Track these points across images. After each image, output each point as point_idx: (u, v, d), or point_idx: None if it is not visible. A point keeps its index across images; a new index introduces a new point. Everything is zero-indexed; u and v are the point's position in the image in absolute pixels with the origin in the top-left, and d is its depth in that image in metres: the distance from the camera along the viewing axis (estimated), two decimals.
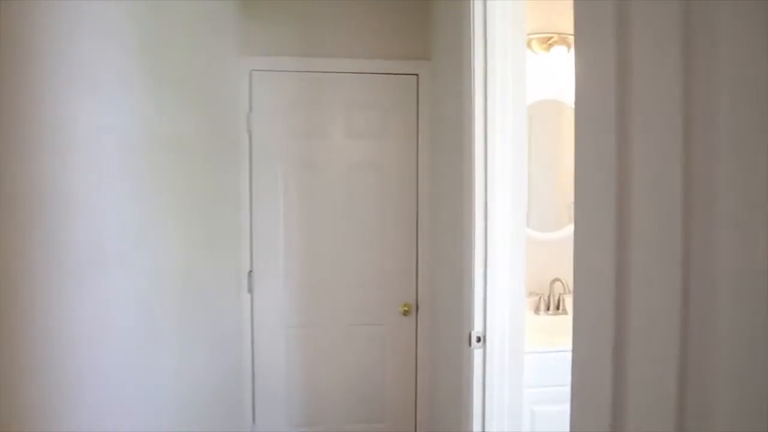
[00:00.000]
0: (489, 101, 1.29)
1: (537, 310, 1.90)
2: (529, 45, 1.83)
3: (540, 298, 1.90)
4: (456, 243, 1.49)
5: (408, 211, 1.93)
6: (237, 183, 1.92)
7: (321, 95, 1.94)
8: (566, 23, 1.90)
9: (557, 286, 1.91)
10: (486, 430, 1.33)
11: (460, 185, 1.41)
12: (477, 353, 1.32)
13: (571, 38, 1.91)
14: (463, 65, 1.37)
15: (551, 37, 1.89)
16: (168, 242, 1.30)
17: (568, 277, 1.98)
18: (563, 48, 1.87)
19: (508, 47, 1.30)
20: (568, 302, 1.94)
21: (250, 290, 1.95)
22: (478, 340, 1.32)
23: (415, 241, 1.92)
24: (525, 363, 1.38)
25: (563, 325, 1.85)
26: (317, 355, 1.97)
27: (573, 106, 1.91)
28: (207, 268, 1.80)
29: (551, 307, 1.91)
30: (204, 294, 1.77)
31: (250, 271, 1.94)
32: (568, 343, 1.46)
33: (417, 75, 1.94)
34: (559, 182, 2.03)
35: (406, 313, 1.87)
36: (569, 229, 1.99)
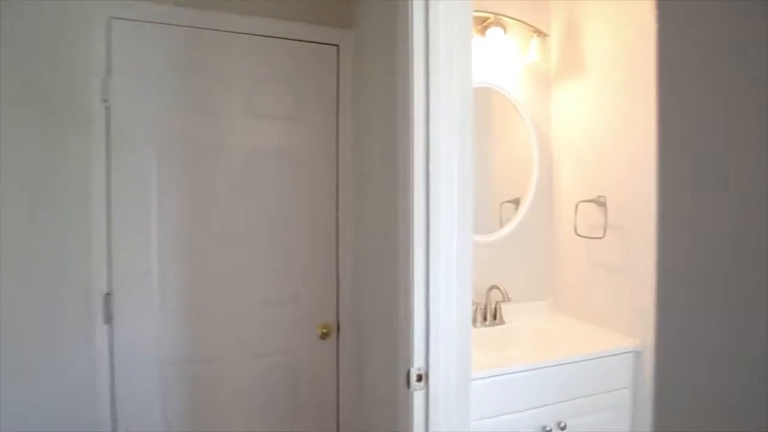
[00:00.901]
0: (432, 84, 1.01)
1: (474, 322, 1.69)
2: None
3: (477, 308, 1.70)
4: (388, 252, 1.19)
5: (326, 211, 1.58)
6: (85, 175, 1.38)
7: (214, 61, 1.49)
8: (502, 3, 1.73)
9: (494, 294, 1.72)
10: None
11: (394, 182, 1.11)
12: (418, 395, 1.03)
13: (507, 20, 1.75)
14: (398, 38, 1.08)
15: (487, 18, 1.71)
16: None
17: (506, 284, 1.82)
18: (499, 30, 1.70)
19: (454, 20, 1.04)
20: (506, 311, 1.76)
21: (108, 319, 1.41)
22: (419, 379, 1.03)
23: (334, 246, 1.58)
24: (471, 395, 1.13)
25: (503, 338, 1.66)
26: (207, 398, 1.51)
27: (507, 91, 1.67)
28: (28, 296, 1.24)
29: (488, 317, 1.72)
30: (23, 335, 1.22)
31: (108, 294, 1.41)
32: (515, 362, 1.18)
33: (338, 46, 1.60)
34: (492, 178, 1.86)
35: (324, 336, 1.51)
36: (505, 230, 1.82)
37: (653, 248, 1.43)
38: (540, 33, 1.75)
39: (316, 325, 1.53)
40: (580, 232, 1.71)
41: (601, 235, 1.61)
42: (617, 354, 1.45)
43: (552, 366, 1.35)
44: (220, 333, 1.49)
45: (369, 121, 1.44)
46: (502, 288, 1.64)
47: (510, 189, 1.89)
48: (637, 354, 1.48)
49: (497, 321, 1.72)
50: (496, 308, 1.73)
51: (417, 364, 1.04)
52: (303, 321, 1.54)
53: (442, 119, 1.02)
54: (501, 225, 1.84)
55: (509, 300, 1.62)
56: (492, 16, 1.70)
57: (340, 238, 1.56)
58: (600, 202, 1.63)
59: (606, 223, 1.59)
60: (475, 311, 1.70)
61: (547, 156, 1.90)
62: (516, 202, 1.90)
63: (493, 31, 1.70)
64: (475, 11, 1.67)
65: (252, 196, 1.49)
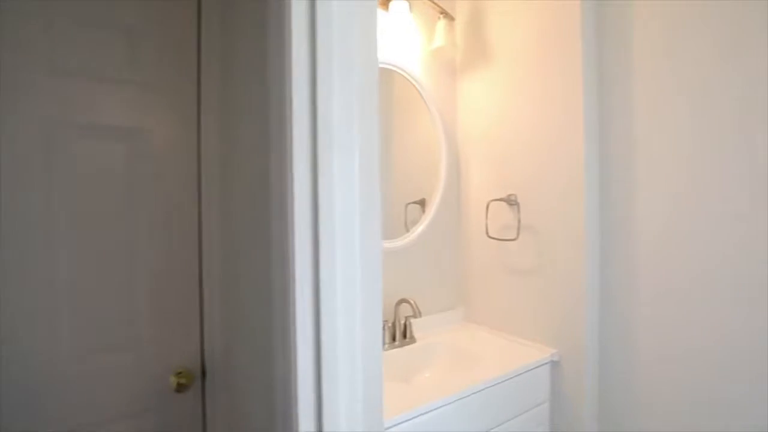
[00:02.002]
0: (320, 58, 0.71)
1: (382, 343, 1.41)
2: None
3: (384, 327, 1.43)
4: (261, 269, 0.84)
5: (184, 214, 1.15)
6: None
7: None
8: None
9: (403, 308, 1.48)
10: None
11: (266, 177, 0.78)
12: None
13: None
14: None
15: None
16: None
17: (416, 295, 1.59)
18: (404, 4, 1.48)
19: None
20: (416, 327, 1.53)
21: None
22: None
23: (196, 265, 1.16)
24: None
25: (416, 360, 1.42)
26: None
27: (411, 76, 1.40)
28: None
29: (398, 337, 1.46)
30: None
31: None
32: (431, 393, 0.90)
33: None
34: (396, 176, 1.62)
35: (182, 387, 1.08)
36: (412, 234, 1.60)
37: (569, 249, 1.33)
38: (446, 15, 1.58)
39: (170, 373, 1.09)
40: (491, 234, 1.57)
41: (513, 237, 1.48)
42: (536, 367, 1.32)
43: (470, 395, 1.14)
44: (22, 402, 0.95)
45: (242, 98, 1.07)
46: (412, 302, 1.40)
47: (416, 188, 1.68)
48: (555, 364, 1.37)
49: (408, 339, 1.48)
50: (406, 325, 1.49)
51: (304, 428, 0.71)
52: (150, 369, 1.09)
53: (336, 110, 0.72)
54: (407, 229, 1.61)
55: (420, 315, 1.38)
56: None
57: (205, 253, 1.15)
58: (511, 201, 1.51)
59: (519, 223, 1.47)
60: (382, 331, 1.43)
61: (454, 151, 1.74)
62: (422, 203, 1.69)
63: (398, 5, 1.47)
64: None
65: (57, 193, 0.99)
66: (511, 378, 1.24)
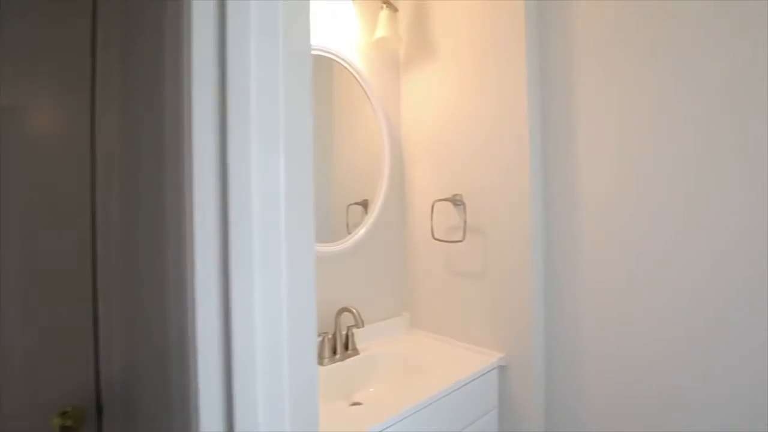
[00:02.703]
0: (232, 36, 0.57)
1: (321, 358, 1.29)
2: None
3: (323, 340, 1.30)
4: (159, 281, 0.68)
5: (71, 208, 0.94)
6: None
7: None
8: None
9: (345, 318, 1.36)
10: None
11: (160, 172, 0.62)
12: None
13: None
14: None
15: None
16: None
17: (358, 303, 1.48)
18: None
19: None
20: (360, 338, 1.42)
21: None
22: None
23: (90, 268, 0.95)
24: None
25: (359, 374, 1.30)
26: None
27: (352, 67, 1.27)
28: None
29: (339, 349, 1.34)
30: None
31: None
32: (376, 413, 0.79)
33: None
34: (336, 175, 1.50)
35: (68, 431, 0.87)
36: (353, 237, 1.48)
37: (516, 250, 1.30)
38: (389, 5, 1.50)
39: (52, 414, 0.87)
40: (437, 235, 1.50)
41: (460, 238, 1.43)
42: (484, 373, 1.26)
43: (417, 411, 1.04)
44: None
45: (142, 78, 0.88)
46: (354, 311, 1.28)
47: (358, 188, 1.57)
48: (503, 369, 1.33)
49: (350, 352, 1.36)
50: (348, 336, 1.37)
51: None
52: (18, 412, 0.86)
53: (253, 100, 0.57)
54: (349, 231, 1.50)
55: (363, 325, 1.27)
56: None
57: (101, 257, 0.94)
58: (457, 202, 1.45)
59: (465, 224, 1.42)
60: (322, 344, 1.30)
61: (398, 149, 1.66)
62: (365, 204, 1.59)
63: None
64: None
65: None
66: (459, 388, 1.16)
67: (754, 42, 0.93)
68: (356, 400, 1.23)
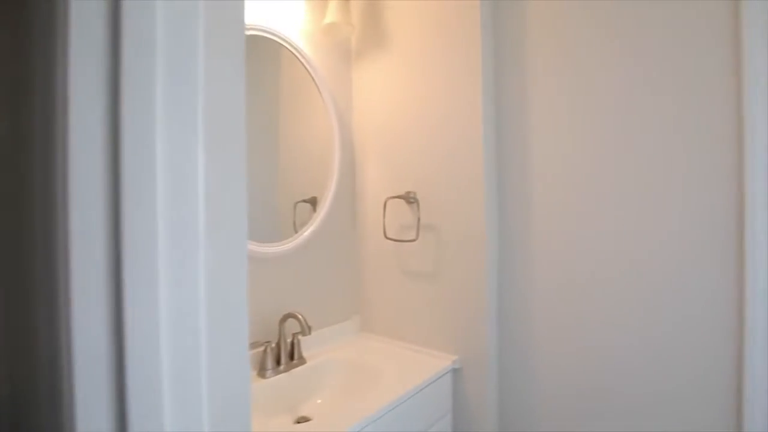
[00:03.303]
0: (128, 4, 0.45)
1: (263, 370, 1.17)
2: None
3: (266, 350, 1.19)
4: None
5: None
6: None
7: None
8: None
9: (291, 324, 1.25)
10: None
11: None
12: None
13: None
14: None
15: None
16: None
17: (305, 308, 1.37)
18: None
19: None
20: (307, 345, 1.31)
21: None
22: None
23: None
24: None
25: (305, 386, 1.20)
26: None
27: (299, 52, 1.15)
28: None
29: (283, 360, 1.23)
30: None
31: None
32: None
33: None
34: (282, 170, 1.39)
35: None
36: (301, 237, 1.38)
37: (470, 250, 1.26)
38: None
39: None
40: (389, 234, 1.43)
41: (413, 238, 1.37)
42: (438, 377, 1.22)
43: (369, 425, 0.97)
44: None
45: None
46: (300, 316, 1.18)
47: (307, 184, 1.47)
48: (456, 371, 1.29)
49: (296, 361, 1.25)
50: (293, 344, 1.26)
51: None
52: None
53: (161, 73, 0.46)
54: (295, 230, 1.39)
55: (309, 332, 1.17)
56: None
57: None
58: (410, 199, 1.40)
59: (418, 223, 1.36)
60: (264, 355, 1.18)
61: (349, 143, 1.57)
62: (313, 201, 1.48)
63: None
64: None
65: None
66: (413, 396, 1.10)
67: (707, 42, 0.96)
68: (303, 414, 1.13)
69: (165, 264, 0.43)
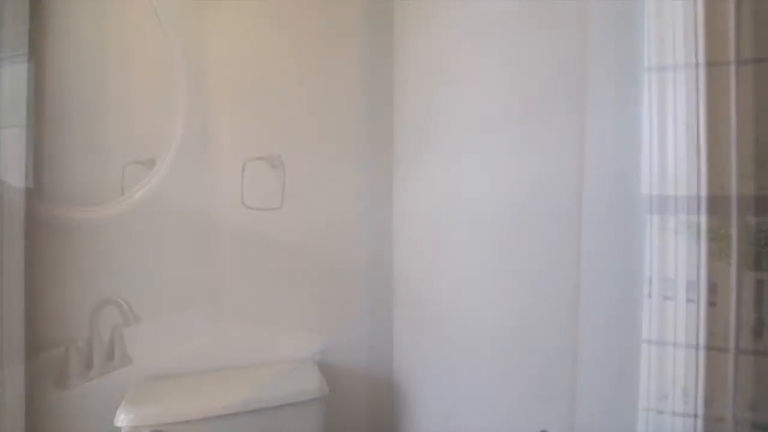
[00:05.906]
0: None
1: (65, 378, 0.87)
2: None
3: (68, 350, 0.88)
4: None
5: None
6: None
7: None
8: None
9: (108, 313, 0.95)
10: None
11: None
12: None
13: None
14: None
15: None
16: None
17: (137, 293, 1.05)
18: None
19: None
20: (135, 339, 1.03)
21: None
22: None
23: None
24: None
25: (135, 391, 0.93)
26: None
27: None
28: None
29: (96, 360, 0.93)
30: None
31: None
32: None
33: None
34: (105, 124, 1.07)
35: None
36: (131, 202, 1.08)
37: (341, 220, 1.15)
38: None
39: None
40: (249, 203, 1.22)
41: (277, 206, 1.19)
42: (305, 361, 1.08)
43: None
44: None
45: None
46: (123, 302, 0.90)
47: (144, 142, 1.16)
48: (324, 353, 1.16)
49: (116, 361, 0.96)
50: (112, 340, 0.97)
51: None
52: None
53: None
54: (123, 193, 1.08)
55: (136, 321, 0.91)
56: None
57: None
58: (274, 163, 1.21)
59: (284, 188, 1.19)
60: (65, 358, 0.88)
61: (202, 95, 1.30)
62: (151, 163, 1.18)
63: None
64: None
65: None
66: (275, 392, 0.94)
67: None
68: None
69: None
